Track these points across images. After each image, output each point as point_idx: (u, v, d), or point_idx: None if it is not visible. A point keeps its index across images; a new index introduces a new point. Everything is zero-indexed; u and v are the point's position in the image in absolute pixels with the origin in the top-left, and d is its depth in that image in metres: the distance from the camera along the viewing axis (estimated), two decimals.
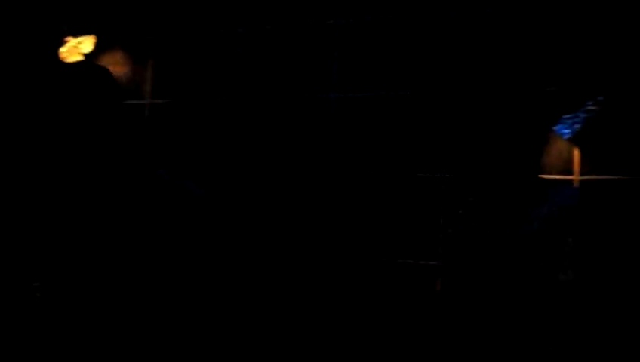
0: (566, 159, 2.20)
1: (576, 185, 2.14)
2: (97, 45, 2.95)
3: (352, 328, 2.30)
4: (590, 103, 2.12)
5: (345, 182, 2.45)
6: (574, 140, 2.13)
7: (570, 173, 2.18)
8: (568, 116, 2.17)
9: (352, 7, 2.57)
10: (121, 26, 2.92)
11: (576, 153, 2.17)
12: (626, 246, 2.02)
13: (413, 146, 2.38)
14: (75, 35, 2.96)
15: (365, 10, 2.55)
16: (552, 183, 1.21)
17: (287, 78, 2.62)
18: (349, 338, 2.29)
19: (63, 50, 2.94)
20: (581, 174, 2.14)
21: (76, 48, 2.90)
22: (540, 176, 1.27)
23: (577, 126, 2.13)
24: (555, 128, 2.19)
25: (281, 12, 2.69)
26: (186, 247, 1.05)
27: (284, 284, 2.42)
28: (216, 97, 2.73)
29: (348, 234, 2.39)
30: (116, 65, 2.90)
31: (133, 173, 1.08)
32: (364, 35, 2.53)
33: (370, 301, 2.31)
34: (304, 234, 2.45)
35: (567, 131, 2.15)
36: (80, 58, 2.92)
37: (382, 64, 2.49)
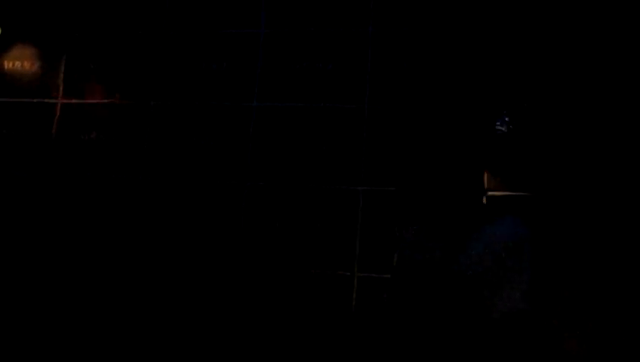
0: None
1: (485, 199, 2.25)
2: (3, 38, 2.73)
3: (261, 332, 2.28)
4: (498, 123, 2.24)
5: (264, 191, 2.43)
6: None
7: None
8: None
9: (281, 18, 2.57)
10: (32, 19, 2.73)
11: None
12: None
13: (356, 158, 2.40)
14: None
15: (286, 22, 2.55)
16: (495, 211, 1.24)
17: (207, 83, 2.56)
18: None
19: None
20: (488, 190, 2.25)
21: None
22: (489, 193, 1.30)
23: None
24: None
25: (201, 17, 2.63)
26: None
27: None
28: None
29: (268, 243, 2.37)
30: (24, 59, 2.71)
31: None
32: (291, 46, 2.53)
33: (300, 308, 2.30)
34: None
35: None
36: None
37: (316, 76, 2.50)
